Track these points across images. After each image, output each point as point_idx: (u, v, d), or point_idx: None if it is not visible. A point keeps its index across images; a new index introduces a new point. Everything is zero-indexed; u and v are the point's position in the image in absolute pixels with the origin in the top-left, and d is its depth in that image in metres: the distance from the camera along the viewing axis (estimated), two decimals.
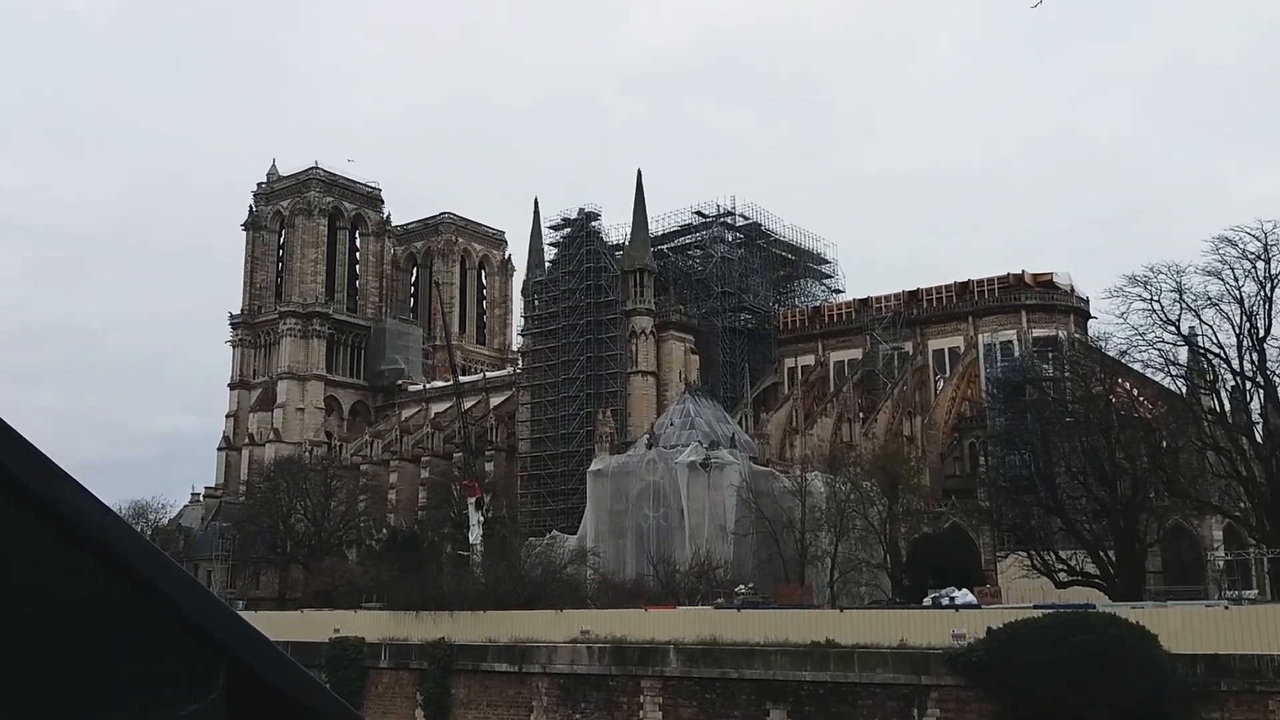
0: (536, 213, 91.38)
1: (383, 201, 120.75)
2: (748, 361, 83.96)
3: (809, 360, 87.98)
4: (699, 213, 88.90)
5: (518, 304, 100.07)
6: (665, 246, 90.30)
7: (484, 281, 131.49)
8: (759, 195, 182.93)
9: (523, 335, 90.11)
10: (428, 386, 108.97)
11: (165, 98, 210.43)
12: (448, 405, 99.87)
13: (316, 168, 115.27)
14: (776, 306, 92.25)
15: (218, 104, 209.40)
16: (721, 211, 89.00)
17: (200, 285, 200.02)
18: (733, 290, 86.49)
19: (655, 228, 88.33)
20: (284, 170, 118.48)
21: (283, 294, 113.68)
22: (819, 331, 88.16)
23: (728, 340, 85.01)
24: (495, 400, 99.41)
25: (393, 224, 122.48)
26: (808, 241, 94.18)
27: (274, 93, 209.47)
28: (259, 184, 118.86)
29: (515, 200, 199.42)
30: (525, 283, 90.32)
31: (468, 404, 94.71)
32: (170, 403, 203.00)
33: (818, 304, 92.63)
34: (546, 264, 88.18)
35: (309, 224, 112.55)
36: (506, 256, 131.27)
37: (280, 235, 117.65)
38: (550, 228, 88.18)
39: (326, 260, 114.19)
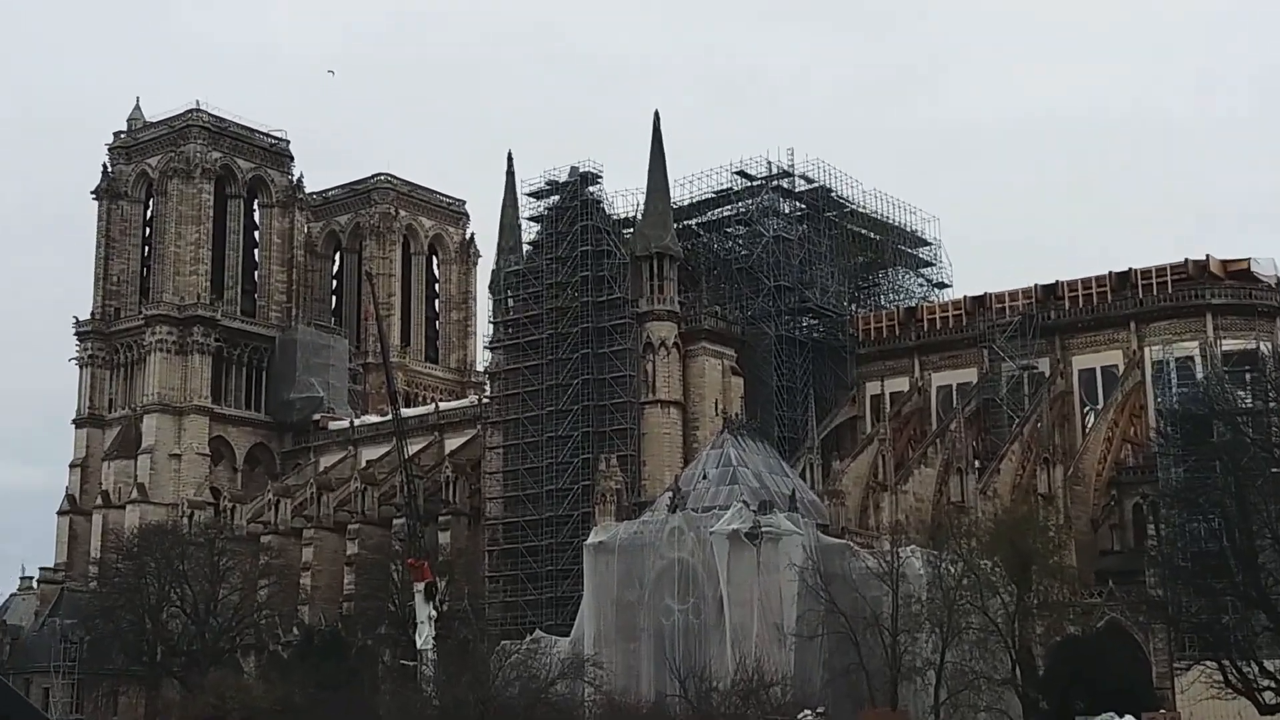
0: (510, 173, 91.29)
1: (292, 159, 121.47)
2: (813, 387, 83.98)
3: (901, 384, 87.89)
4: (742, 173, 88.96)
5: (484, 305, 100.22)
6: (694, 221, 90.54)
7: (436, 272, 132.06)
8: (827, 149, 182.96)
9: (492, 349, 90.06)
10: (357, 423, 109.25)
11: None
12: (385, 450, 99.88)
13: (197, 110, 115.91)
14: (854, 308, 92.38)
15: (55, 16, 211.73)
16: (775, 171, 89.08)
17: (33, 277, 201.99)
18: (791, 284, 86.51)
19: (680, 195, 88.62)
20: (152, 113, 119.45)
21: (151, 291, 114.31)
22: (915, 343, 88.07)
23: (785, 356, 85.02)
24: (453, 442, 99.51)
25: (306, 190, 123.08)
26: (899, 214, 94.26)
27: (135, 4, 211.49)
28: (116, 133, 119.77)
29: (479, 159, 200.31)
30: (495, 274, 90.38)
31: (414, 448, 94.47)
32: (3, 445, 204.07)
33: (913, 304, 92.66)
34: (525, 247, 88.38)
35: (188, 190, 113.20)
36: (468, 236, 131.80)
37: (147, 207, 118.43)
38: (530, 195, 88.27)
39: (213, 243, 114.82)
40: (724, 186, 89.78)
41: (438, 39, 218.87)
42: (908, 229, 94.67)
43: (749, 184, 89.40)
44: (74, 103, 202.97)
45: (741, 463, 69.13)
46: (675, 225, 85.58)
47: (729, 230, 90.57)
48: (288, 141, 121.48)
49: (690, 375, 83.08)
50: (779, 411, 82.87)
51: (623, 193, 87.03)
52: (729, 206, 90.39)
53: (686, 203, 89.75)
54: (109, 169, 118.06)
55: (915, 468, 75.93)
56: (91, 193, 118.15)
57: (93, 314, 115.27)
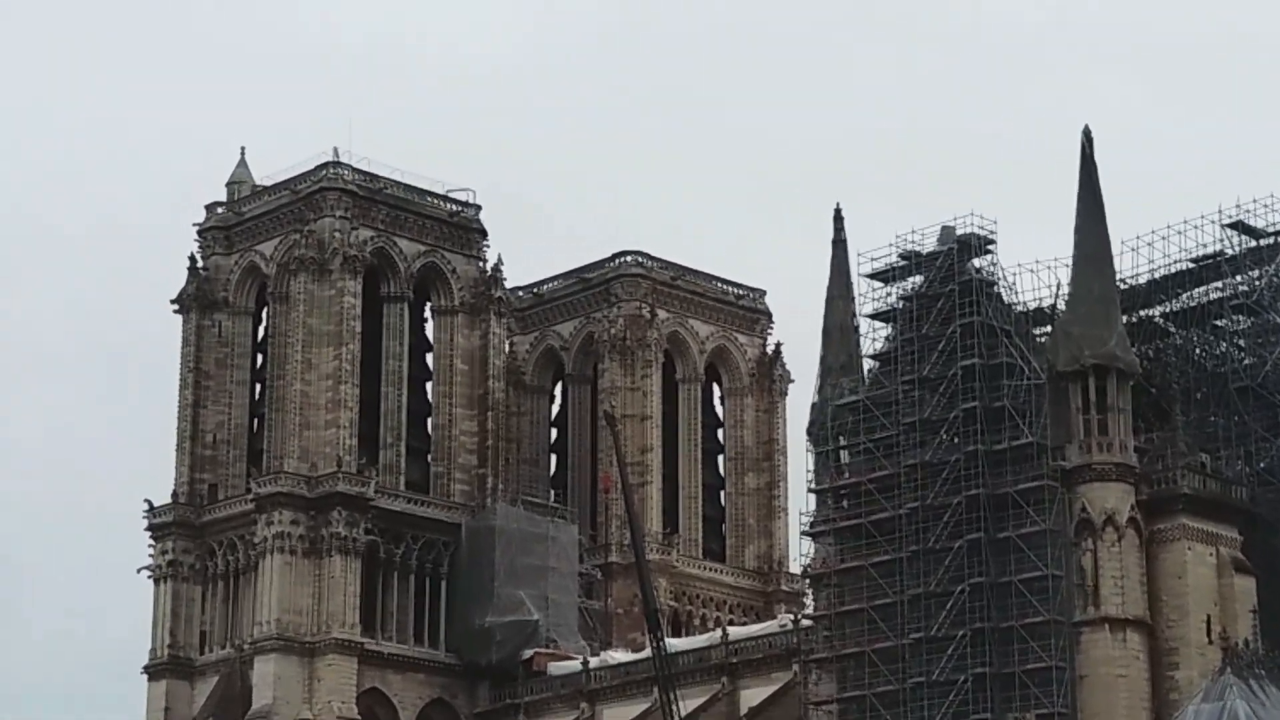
0: (839, 242, 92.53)
1: (484, 234, 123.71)
2: None
3: None
4: (1240, 225, 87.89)
5: (800, 462, 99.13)
6: (1157, 311, 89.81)
7: (719, 410, 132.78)
8: None
9: (815, 537, 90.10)
10: (594, 665, 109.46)
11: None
12: (642, 709, 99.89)
13: (335, 163, 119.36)
14: None
15: (128, 41, 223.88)
16: None
17: (85, 442, 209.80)
18: None
19: (1129, 266, 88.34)
20: (265, 172, 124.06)
21: (266, 455, 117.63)
22: None
23: None
24: (754, 694, 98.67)
25: (506, 283, 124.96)
26: None
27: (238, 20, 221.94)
28: (211, 206, 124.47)
29: (777, 222, 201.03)
30: (818, 410, 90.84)
31: (689, 704, 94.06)
32: (32, 701, 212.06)
33: None
34: (867, 363, 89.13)
35: (321, 292, 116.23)
36: (770, 349, 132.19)
37: (259, 320, 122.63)
38: (872, 276, 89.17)
39: (362, 373, 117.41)
40: (1207, 250, 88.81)
41: (673, 36, 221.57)
42: None
43: (1251, 244, 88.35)
44: (150, 159, 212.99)
45: None
46: (1125, 318, 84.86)
47: (1219, 323, 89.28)
48: (477, 207, 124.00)
49: (1161, 573, 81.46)
50: None
51: (1029, 267, 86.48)
52: (1218, 283, 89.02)
53: (1142, 279, 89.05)
54: (199, 263, 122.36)
55: None
56: (173, 301, 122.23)
57: (175, 495, 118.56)
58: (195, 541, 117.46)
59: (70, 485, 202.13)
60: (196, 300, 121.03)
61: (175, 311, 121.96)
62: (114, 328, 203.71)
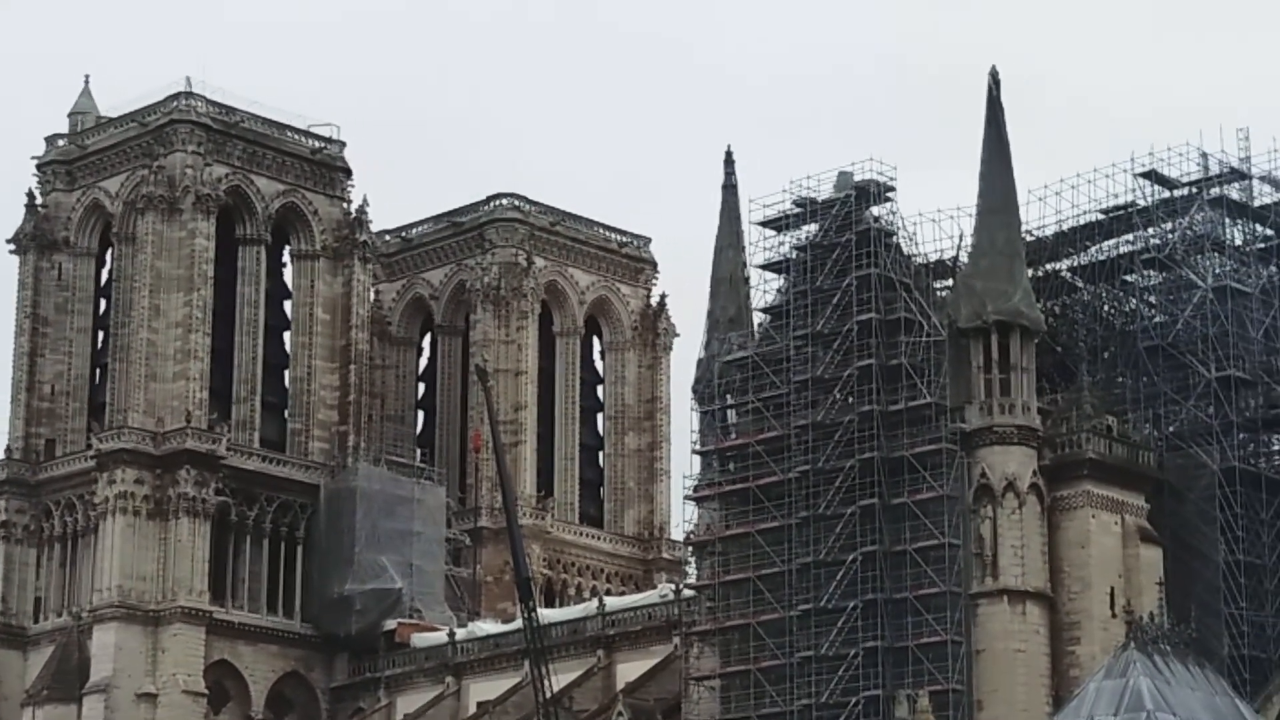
0: (729, 187, 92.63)
1: (349, 173, 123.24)
2: None
3: None
4: (1153, 174, 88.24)
5: (685, 421, 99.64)
6: (1064, 265, 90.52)
7: (599, 366, 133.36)
8: None
9: (699, 502, 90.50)
10: (460, 636, 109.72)
11: None
12: (512, 684, 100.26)
13: (188, 94, 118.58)
14: None
15: None
16: (1219, 170, 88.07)
17: None
18: (1250, 375, 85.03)
19: (1037, 217, 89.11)
20: (112, 102, 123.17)
21: (109, 408, 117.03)
22: None
23: (1243, 506, 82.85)
24: (631, 668, 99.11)
25: (371, 227, 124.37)
26: None
27: None
28: (51, 138, 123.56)
29: (665, 166, 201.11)
30: (704, 366, 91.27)
31: (562, 679, 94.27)
32: None
33: None
34: (758, 317, 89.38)
35: (171, 233, 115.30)
36: (654, 302, 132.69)
37: (102, 263, 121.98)
38: (761, 225, 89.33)
39: (214, 322, 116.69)
40: (1118, 201, 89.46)
41: None
42: None
43: (1165, 195, 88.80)
44: None
45: (1162, 704, 68.24)
46: (1031, 273, 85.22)
47: (1129, 279, 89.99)
48: (342, 144, 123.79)
49: (1062, 543, 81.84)
50: (1232, 609, 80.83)
51: (930, 216, 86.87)
52: (1129, 236, 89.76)
53: (1049, 231, 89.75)
54: (37, 199, 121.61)
55: None
56: (8, 241, 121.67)
57: (8, 451, 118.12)
58: (30, 501, 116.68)
59: None
60: (34, 240, 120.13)
61: (11, 252, 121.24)
62: None
